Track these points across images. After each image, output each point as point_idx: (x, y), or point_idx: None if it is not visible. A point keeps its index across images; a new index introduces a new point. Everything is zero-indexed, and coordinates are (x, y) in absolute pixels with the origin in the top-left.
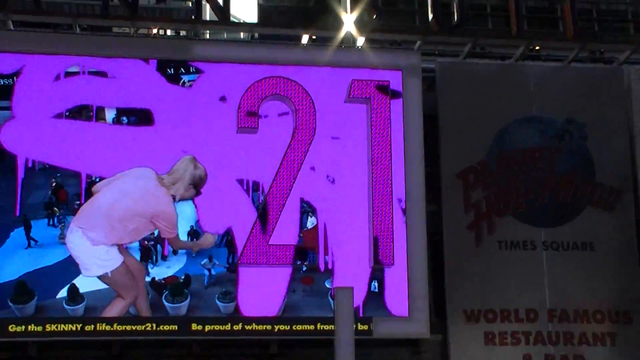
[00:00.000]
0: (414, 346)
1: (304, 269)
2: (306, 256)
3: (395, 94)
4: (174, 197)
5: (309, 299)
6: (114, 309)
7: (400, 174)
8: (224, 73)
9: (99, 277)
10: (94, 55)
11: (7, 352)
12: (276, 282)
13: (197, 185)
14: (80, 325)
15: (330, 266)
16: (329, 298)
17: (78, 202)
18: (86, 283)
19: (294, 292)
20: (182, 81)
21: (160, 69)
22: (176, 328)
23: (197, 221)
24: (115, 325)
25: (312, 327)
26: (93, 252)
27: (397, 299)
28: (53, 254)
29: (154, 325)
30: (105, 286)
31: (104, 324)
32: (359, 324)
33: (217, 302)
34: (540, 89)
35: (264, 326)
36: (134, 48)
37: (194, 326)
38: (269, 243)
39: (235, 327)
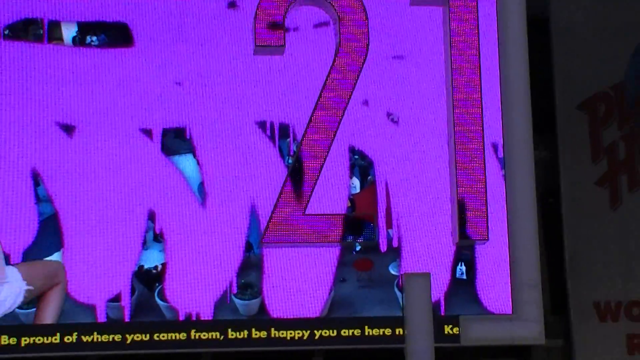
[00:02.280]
0: (523, 356)
1: (358, 248)
2: (361, 230)
3: None
4: None
5: (366, 291)
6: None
7: (495, 108)
8: None
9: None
10: None
11: None
12: (318, 269)
13: None
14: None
15: (395, 244)
16: (396, 289)
17: None
18: None
19: (344, 282)
20: None
21: None
22: (184, 337)
23: (201, 184)
24: (95, 336)
25: (371, 331)
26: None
27: (495, 289)
28: None
29: (148, 334)
30: None
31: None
32: (444, 325)
33: (234, 298)
34: None
35: (302, 332)
36: None
37: (198, 334)
38: (306, 212)
39: (259, 334)
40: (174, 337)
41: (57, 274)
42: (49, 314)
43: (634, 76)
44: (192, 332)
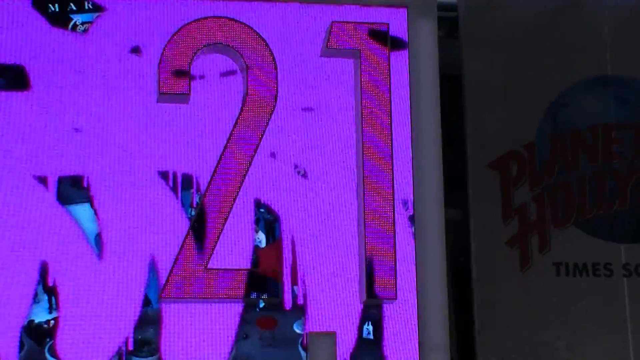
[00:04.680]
0: None
1: (262, 305)
2: (265, 287)
3: (397, 44)
4: None
5: (269, 350)
6: None
7: (406, 165)
8: (138, 11)
9: None
10: None
11: None
12: (220, 326)
13: None
14: None
15: (300, 302)
16: (300, 349)
17: None
18: None
19: (246, 340)
20: (72, 23)
21: (39, 5)
22: None
23: (98, 235)
24: None
25: None
26: None
27: (402, 350)
28: None
29: None
30: None
31: None
32: None
33: (131, 357)
34: (620, 36)
35: None
36: None
37: None
38: (208, 267)
39: None
40: None
41: None
42: None
43: (544, 136)
44: None
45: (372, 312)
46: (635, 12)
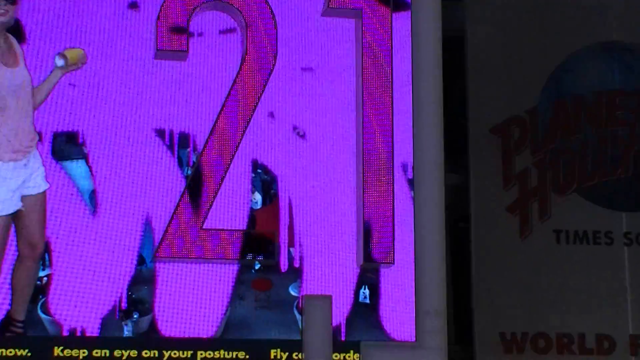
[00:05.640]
0: None
1: (257, 266)
2: (261, 248)
3: (400, 5)
4: None
5: (264, 312)
6: None
7: (406, 127)
8: None
9: None
10: None
11: None
12: (214, 286)
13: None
14: None
15: (297, 264)
16: (295, 311)
17: None
18: None
19: (241, 302)
20: None
21: None
22: (68, 354)
23: (93, 192)
24: None
25: (268, 355)
26: None
27: (399, 315)
28: None
29: (27, 349)
30: None
31: None
32: (340, 352)
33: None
34: (624, 1)
35: (194, 353)
36: None
37: (82, 351)
38: (203, 227)
39: (149, 354)
40: (56, 354)
41: None
42: None
43: (547, 101)
44: (75, 350)
45: (369, 276)
46: None
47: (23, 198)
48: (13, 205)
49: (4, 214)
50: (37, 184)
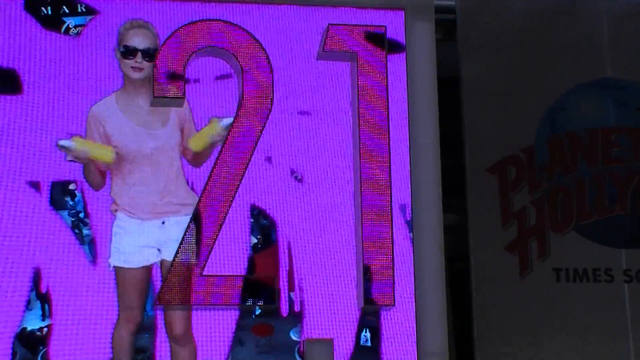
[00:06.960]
0: None
1: (258, 312)
2: (261, 293)
3: (394, 47)
4: None
5: (265, 357)
6: None
7: (403, 169)
8: (131, 14)
9: None
10: None
11: None
12: (215, 332)
13: None
14: None
15: (297, 308)
16: (297, 356)
17: None
18: None
19: (241, 346)
20: (65, 26)
21: (31, 8)
22: None
23: (92, 240)
24: None
25: None
26: None
27: (400, 357)
28: None
29: None
30: None
31: None
32: None
33: None
34: (619, 38)
35: None
36: None
37: None
38: (203, 273)
39: None
40: None
41: None
42: None
43: (543, 140)
44: None
45: (369, 318)
46: (633, 14)
47: None
48: None
49: None
50: None
